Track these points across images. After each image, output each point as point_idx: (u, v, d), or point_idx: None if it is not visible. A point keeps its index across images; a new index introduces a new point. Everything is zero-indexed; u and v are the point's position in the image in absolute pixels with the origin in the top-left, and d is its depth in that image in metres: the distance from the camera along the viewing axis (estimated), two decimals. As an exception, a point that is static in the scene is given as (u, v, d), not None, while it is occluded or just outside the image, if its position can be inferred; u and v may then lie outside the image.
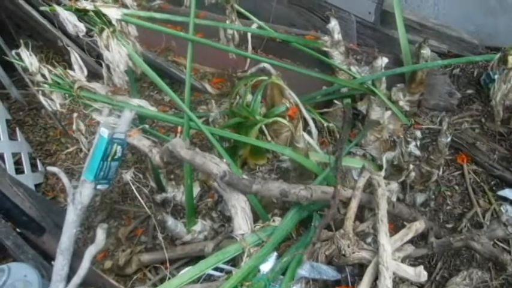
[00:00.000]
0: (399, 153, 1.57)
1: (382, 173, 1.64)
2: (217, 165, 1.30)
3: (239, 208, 1.30)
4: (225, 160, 1.42)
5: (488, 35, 2.09)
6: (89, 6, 1.40)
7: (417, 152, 1.56)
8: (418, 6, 2.16)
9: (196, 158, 1.33)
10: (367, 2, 1.98)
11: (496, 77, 1.57)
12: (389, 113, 1.84)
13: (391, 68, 1.94)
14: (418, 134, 1.90)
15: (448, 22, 2.10)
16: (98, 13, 1.41)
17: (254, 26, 1.98)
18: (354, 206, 1.32)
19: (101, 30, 1.44)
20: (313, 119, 1.86)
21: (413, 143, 1.55)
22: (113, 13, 1.44)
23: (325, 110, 1.99)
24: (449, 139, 1.62)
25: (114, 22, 1.44)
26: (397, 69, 1.69)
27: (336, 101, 1.95)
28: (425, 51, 1.76)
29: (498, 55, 1.52)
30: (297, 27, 2.22)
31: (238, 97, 1.91)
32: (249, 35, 2.01)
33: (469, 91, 2.03)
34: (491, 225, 1.48)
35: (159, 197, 1.84)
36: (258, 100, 1.76)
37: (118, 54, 1.47)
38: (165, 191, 1.84)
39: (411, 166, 1.64)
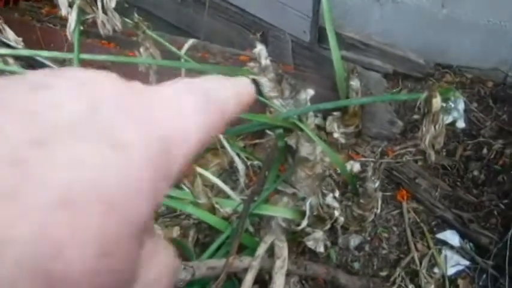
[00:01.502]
0: (317, 204, 1.42)
1: (305, 222, 1.49)
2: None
3: None
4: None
5: (438, 51, 1.91)
6: None
7: (335, 204, 1.40)
8: (364, 20, 1.97)
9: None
10: (302, 21, 1.80)
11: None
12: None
13: (325, 94, 1.78)
14: (357, 166, 1.75)
15: (396, 38, 1.92)
16: None
17: (187, 44, 1.82)
18: (249, 279, 1.18)
19: None
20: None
21: (331, 195, 1.40)
22: None
23: (257, 141, 1.83)
24: (377, 184, 1.47)
25: None
26: (321, 105, 1.52)
27: (268, 131, 1.79)
28: (354, 83, 1.58)
29: (424, 94, 1.34)
30: (235, 45, 2.04)
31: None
32: (183, 52, 1.84)
33: (415, 116, 1.86)
34: None
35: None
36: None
37: None
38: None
39: (336, 213, 1.48)
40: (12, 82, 0.18)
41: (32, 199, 0.15)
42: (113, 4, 1.42)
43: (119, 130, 0.18)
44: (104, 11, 1.44)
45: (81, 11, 1.40)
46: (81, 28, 2.28)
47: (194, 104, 0.22)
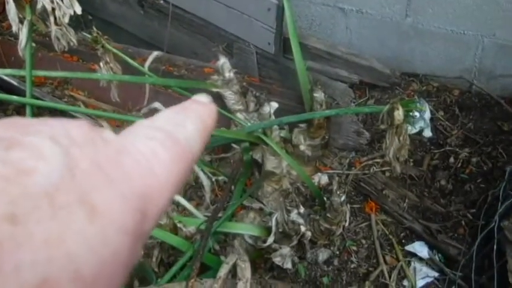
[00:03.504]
0: (282, 221, 1.39)
1: (271, 239, 1.46)
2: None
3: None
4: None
5: (404, 60, 1.90)
6: None
7: (300, 220, 1.38)
8: (330, 31, 1.96)
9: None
10: (266, 32, 1.77)
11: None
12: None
13: (291, 106, 1.76)
14: (325, 178, 1.72)
15: (362, 48, 1.91)
16: None
17: (151, 56, 1.78)
18: (210, 303, 1.14)
19: None
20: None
21: (295, 211, 1.37)
22: None
23: (223, 155, 1.80)
24: (343, 198, 1.45)
25: None
26: (284, 118, 1.49)
27: (234, 145, 1.76)
28: (318, 95, 1.56)
29: (386, 107, 1.33)
30: (199, 57, 2.01)
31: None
32: (147, 66, 1.80)
33: (383, 126, 1.84)
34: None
35: None
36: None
37: None
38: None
39: (303, 228, 1.46)
40: None
41: (7, 285, 0.15)
42: (66, 19, 1.37)
43: (95, 195, 0.18)
44: (58, 27, 1.39)
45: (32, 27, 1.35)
46: (45, 41, 2.22)
47: (163, 153, 0.22)
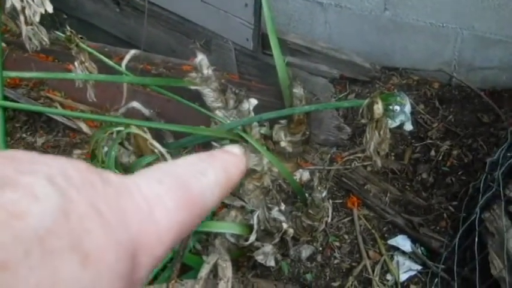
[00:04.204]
0: (264, 218, 1.37)
1: (253, 237, 1.45)
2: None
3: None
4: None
5: (384, 54, 1.90)
6: None
7: (282, 217, 1.36)
8: (309, 26, 1.94)
9: None
10: (244, 28, 1.75)
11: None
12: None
13: (271, 103, 1.74)
14: (306, 175, 1.71)
15: (341, 43, 1.90)
16: None
17: (128, 55, 1.74)
18: (191, 304, 1.12)
19: None
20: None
21: (276, 208, 1.36)
22: None
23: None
24: (324, 194, 1.44)
25: None
26: (264, 115, 1.47)
27: (214, 143, 1.74)
28: (298, 91, 1.55)
29: (366, 101, 1.32)
30: (177, 54, 1.98)
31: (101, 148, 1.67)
32: (124, 65, 1.77)
33: (364, 120, 1.83)
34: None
35: None
36: (112, 157, 1.53)
37: None
38: None
39: (284, 225, 1.44)
40: None
41: None
42: (37, 18, 1.33)
43: (88, 240, 0.17)
44: (29, 25, 1.35)
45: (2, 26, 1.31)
46: (19, 41, 2.17)
47: (169, 201, 0.21)
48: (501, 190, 1.33)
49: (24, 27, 1.33)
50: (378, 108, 1.28)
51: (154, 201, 0.20)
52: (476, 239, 1.35)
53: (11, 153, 0.19)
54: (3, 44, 2.15)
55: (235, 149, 0.26)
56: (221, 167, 0.24)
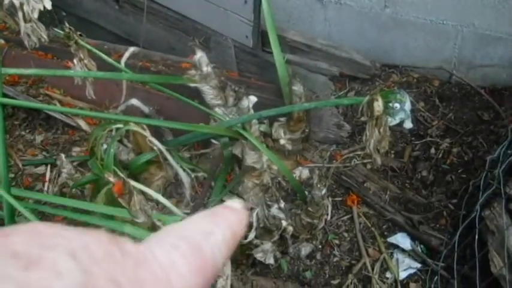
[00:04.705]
0: (263, 216, 1.37)
1: (252, 234, 1.44)
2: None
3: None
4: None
5: (384, 52, 1.89)
6: None
7: (281, 215, 1.36)
8: (309, 23, 1.94)
9: None
10: (244, 25, 1.74)
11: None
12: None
13: (270, 100, 1.73)
14: (306, 172, 1.71)
15: (341, 40, 1.89)
16: None
17: (127, 52, 1.74)
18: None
19: None
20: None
21: (276, 206, 1.35)
22: None
23: (203, 151, 1.77)
24: (324, 191, 1.43)
25: None
26: (263, 112, 1.47)
27: (213, 141, 1.73)
28: (298, 88, 1.54)
29: (366, 99, 1.31)
30: (176, 52, 1.97)
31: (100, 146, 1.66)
32: (123, 62, 1.76)
33: (363, 118, 1.83)
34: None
35: None
36: (111, 154, 1.53)
37: None
38: None
39: (284, 223, 1.44)
40: None
41: None
42: (35, 15, 1.32)
43: None
44: (28, 22, 1.35)
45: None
46: (18, 39, 2.16)
47: (184, 267, 0.22)
48: (501, 188, 1.32)
49: (22, 24, 1.32)
50: (378, 105, 1.27)
51: (170, 268, 0.21)
52: (477, 237, 1.35)
53: (34, 226, 0.19)
54: (2, 41, 2.14)
55: (236, 204, 0.27)
56: (226, 225, 0.25)
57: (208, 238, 0.23)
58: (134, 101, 1.77)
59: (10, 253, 0.18)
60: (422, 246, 1.57)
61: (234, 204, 0.27)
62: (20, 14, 1.30)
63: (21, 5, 1.30)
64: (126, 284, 0.19)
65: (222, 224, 0.25)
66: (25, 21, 1.32)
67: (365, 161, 1.72)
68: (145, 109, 1.79)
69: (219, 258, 0.23)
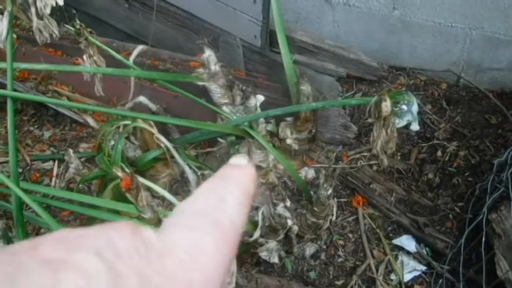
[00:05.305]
0: (269, 214, 1.37)
1: (257, 233, 1.44)
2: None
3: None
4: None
5: (391, 53, 1.89)
6: None
7: (287, 214, 1.36)
8: (317, 24, 1.94)
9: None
10: (252, 25, 1.75)
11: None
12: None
13: (277, 100, 1.74)
14: (311, 172, 1.71)
15: (349, 41, 1.90)
16: None
17: (136, 50, 1.75)
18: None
19: None
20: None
21: (282, 204, 1.36)
22: None
23: (210, 149, 1.77)
24: (330, 192, 1.43)
25: None
26: (270, 112, 1.47)
27: (220, 139, 1.74)
28: (305, 88, 1.54)
29: (374, 99, 1.31)
30: (184, 51, 1.98)
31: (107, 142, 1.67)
32: (131, 60, 1.77)
33: (371, 119, 1.83)
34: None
35: None
36: (118, 151, 1.54)
37: None
38: None
39: (289, 222, 1.44)
40: (20, 254, 0.18)
41: None
42: (48, 10, 1.33)
43: None
44: (40, 18, 1.36)
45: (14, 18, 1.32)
46: (29, 35, 2.18)
47: (207, 246, 0.21)
48: (509, 191, 1.32)
49: (35, 19, 1.34)
50: (386, 105, 1.28)
51: (194, 250, 0.21)
52: (483, 240, 1.34)
53: (58, 232, 0.20)
54: (14, 36, 2.16)
55: (241, 160, 0.26)
56: (237, 186, 0.25)
57: (222, 206, 0.23)
58: (142, 99, 1.78)
59: (39, 262, 0.18)
60: (427, 248, 1.56)
61: (240, 161, 0.26)
62: (33, 10, 1.31)
63: (34, 0, 1.31)
64: (154, 277, 0.19)
65: (232, 187, 0.24)
66: (37, 16, 1.33)
67: (371, 162, 1.72)
68: (153, 107, 1.80)
69: (238, 222, 0.23)
